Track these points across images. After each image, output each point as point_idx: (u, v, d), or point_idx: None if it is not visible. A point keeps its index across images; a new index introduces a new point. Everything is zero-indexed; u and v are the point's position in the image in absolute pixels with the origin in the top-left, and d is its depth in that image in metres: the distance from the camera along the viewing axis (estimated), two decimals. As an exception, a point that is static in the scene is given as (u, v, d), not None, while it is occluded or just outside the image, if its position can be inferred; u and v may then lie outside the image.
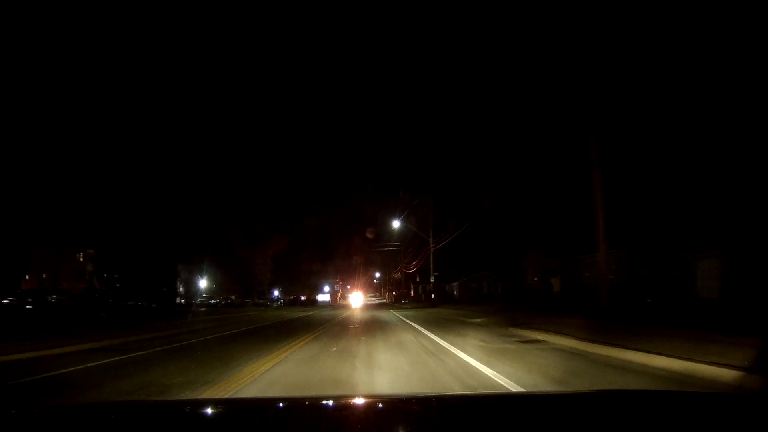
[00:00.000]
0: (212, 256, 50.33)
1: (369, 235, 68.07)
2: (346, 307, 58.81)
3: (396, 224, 37.15)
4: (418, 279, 77.97)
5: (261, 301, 55.37)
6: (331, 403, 2.62)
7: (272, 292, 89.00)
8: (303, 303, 62.84)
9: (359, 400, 2.82)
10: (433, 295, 37.46)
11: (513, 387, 6.30)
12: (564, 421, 2.00)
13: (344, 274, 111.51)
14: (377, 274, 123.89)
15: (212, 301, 57.74)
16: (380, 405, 2.48)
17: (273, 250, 54.60)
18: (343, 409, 2.40)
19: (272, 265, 53.38)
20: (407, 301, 71.67)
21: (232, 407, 2.64)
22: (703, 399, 2.53)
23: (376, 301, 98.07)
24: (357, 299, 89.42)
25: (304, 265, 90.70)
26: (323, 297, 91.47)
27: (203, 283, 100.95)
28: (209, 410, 2.43)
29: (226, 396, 5.87)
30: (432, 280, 37.33)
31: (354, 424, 2.06)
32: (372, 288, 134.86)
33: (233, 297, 67.00)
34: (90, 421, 1.98)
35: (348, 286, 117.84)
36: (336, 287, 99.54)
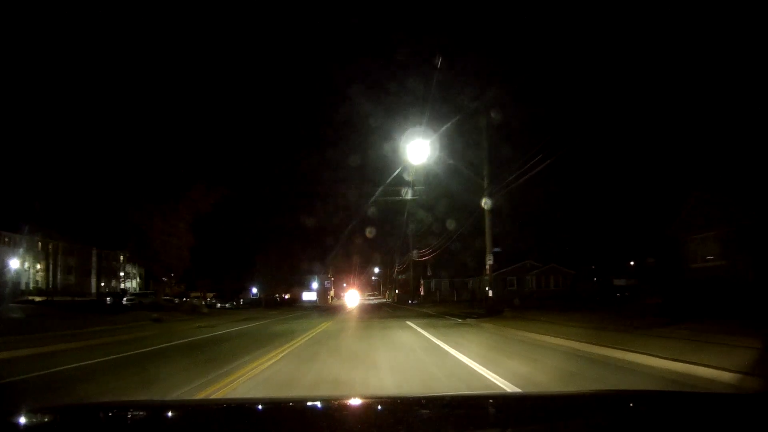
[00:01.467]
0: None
1: (369, 235, 60.22)
2: (336, 309, 41.33)
3: (417, 158, 19.03)
4: (430, 272, 60.07)
5: (166, 300, 34.69)
6: (330, 403, 2.61)
7: (250, 290, 74.16)
8: (271, 303, 44.95)
9: (357, 401, 2.76)
10: (489, 292, 19.77)
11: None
12: (564, 421, 1.98)
13: (339, 271, 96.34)
14: (376, 270, 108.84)
15: (127, 300, 39.74)
16: (379, 406, 2.46)
17: (191, 209, 30.94)
18: (341, 409, 2.41)
19: (191, 238, 32.08)
20: (417, 301, 53.88)
21: (231, 407, 2.55)
22: (703, 399, 2.48)
23: (375, 301, 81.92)
24: (353, 298, 78.54)
25: (287, 261, 75.38)
26: (309, 295, 73.91)
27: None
28: (208, 410, 2.42)
29: (225, 396, 5.36)
30: (489, 262, 19.77)
31: (353, 423, 2.08)
32: (370, 286, 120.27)
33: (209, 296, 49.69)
34: (89, 420, 2.00)
35: (344, 284, 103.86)
36: (327, 284, 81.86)
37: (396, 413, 2.23)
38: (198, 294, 74.24)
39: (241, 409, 2.42)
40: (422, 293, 59.30)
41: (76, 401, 4.95)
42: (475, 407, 2.33)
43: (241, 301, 43.06)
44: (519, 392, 4.90)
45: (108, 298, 50.50)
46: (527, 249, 45.87)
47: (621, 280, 47.81)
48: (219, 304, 40.44)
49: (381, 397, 3.30)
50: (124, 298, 47.21)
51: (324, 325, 17.78)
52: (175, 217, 28.64)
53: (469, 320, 17.66)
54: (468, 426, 1.94)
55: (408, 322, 17.53)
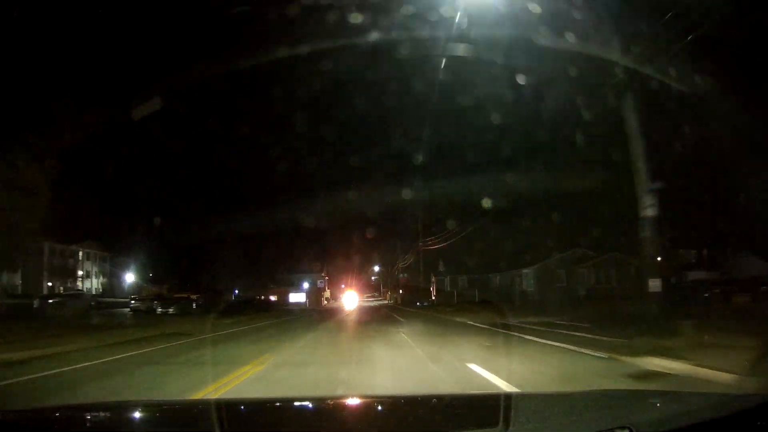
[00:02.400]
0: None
1: (369, 235, 56.19)
2: (325, 315, 30.89)
3: None
4: (442, 267, 48.87)
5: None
6: (329, 402, 2.64)
7: (233, 291, 65.54)
8: (236, 308, 33.80)
9: (355, 401, 2.77)
10: (653, 283, 8.35)
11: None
12: (562, 420, 1.98)
13: (339, 271, 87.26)
14: (376, 268, 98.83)
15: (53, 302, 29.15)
16: (379, 406, 2.44)
17: (52, 141, 17.64)
18: (341, 408, 2.38)
19: (47, 192, 19.48)
20: (427, 302, 42.74)
21: (230, 407, 2.50)
22: (702, 399, 2.39)
23: (376, 303, 71.42)
24: (351, 300, 71.65)
25: (277, 259, 69.16)
26: (297, 297, 63.00)
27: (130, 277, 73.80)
28: (208, 410, 2.34)
29: (224, 396, 5.09)
30: (648, 211, 8.23)
31: (351, 422, 2.10)
32: (369, 287, 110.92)
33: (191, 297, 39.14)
34: (89, 420, 2.01)
35: (343, 285, 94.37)
36: (320, 283, 70.72)
37: (397, 413, 2.23)
38: (186, 295, 64.78)
39: (241, 408, 2.44)
40: (433, 293, 48.10)
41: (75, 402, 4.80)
42: (475, 407, 2.32)
43: (194, 305, 32.08)
44: (519, 392, 4.66)
45: (36, 301, 39.74)
46: (573, 232, 34.64)
47: (699, 272, 37.01)
48: (160, 309, 29.29)
49: (381, 397, 3.48)
50: (51, 299, 36.70)
51: (238, 379, 6.75)
52: (23, 157, 16.79)
53: (678, 366, 6.34)
54: (468, 425, 1.98)
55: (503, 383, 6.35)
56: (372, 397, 3.50)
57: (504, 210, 33.92)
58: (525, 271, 34.02)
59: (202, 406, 2.86)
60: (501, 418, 1.92)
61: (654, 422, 1.74)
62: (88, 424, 1.96)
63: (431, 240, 38.08)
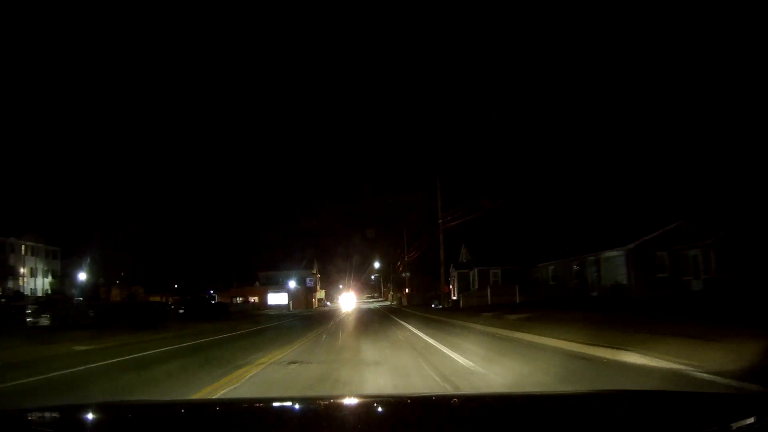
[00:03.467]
0: None
1: (369, 235, 55.43)
2: (308, 324, 20.17)
3: None
4: (465, 257, 37.28)
5: None
6: (330, 402, 2.56)
7: (208, 292, 55.36)
8: (155, 313, 22.16)
9: (355, 400, 2.67)
10: None
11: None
12: (564, 421, 1.90)
13: (338, 271, 78.35)
14: (376, 265, 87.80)
15: None
16: (379, 407, 2.34)
17: None
18: (343, 408, 2.33)
19: None
20: (446, 304, 31.24)
21: (230, 407, 2.51)
22: (703, 399, 2.33)
23: (376, 305, 60.54)
24: (348, 301, 67.41)
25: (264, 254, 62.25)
26: (277, 298, 51.66)
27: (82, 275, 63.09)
28: (208, 410, 2.35)
29: (224, 396, 5.29)
30: None
31: (353, 423, 2.00)
32: (369, 287, 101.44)
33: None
34: (89, 421, 1.98)
35: (341, 286, 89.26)
36: (309, 281, 59.11)
37: (399, 413, 2.17)
38: (159, 298, 56.24)
39: (242, 407, 2.39)
40: (454, 291, 36.61)
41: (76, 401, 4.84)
42: (476, 407, 2.25)
43: (90, 312, 20.76)
44: (521, 392, 4.44)
45: None
46: (672, 200, 23.23)
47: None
48: (30, 319, 17.84)
49: (385, 397, 3.35)
50: None
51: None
52: None
53: None
54: (470, 426, 1.88)
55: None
56: (374, 396, 3.44)
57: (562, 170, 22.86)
58: (609, 254, 22.12)
59: (202, 406, 2.88)
60: (503, 419, 1.92)
61: (655, 423, 1.73)
62: (86, 424, 1.90)
63: (454, 213, 26.63)
